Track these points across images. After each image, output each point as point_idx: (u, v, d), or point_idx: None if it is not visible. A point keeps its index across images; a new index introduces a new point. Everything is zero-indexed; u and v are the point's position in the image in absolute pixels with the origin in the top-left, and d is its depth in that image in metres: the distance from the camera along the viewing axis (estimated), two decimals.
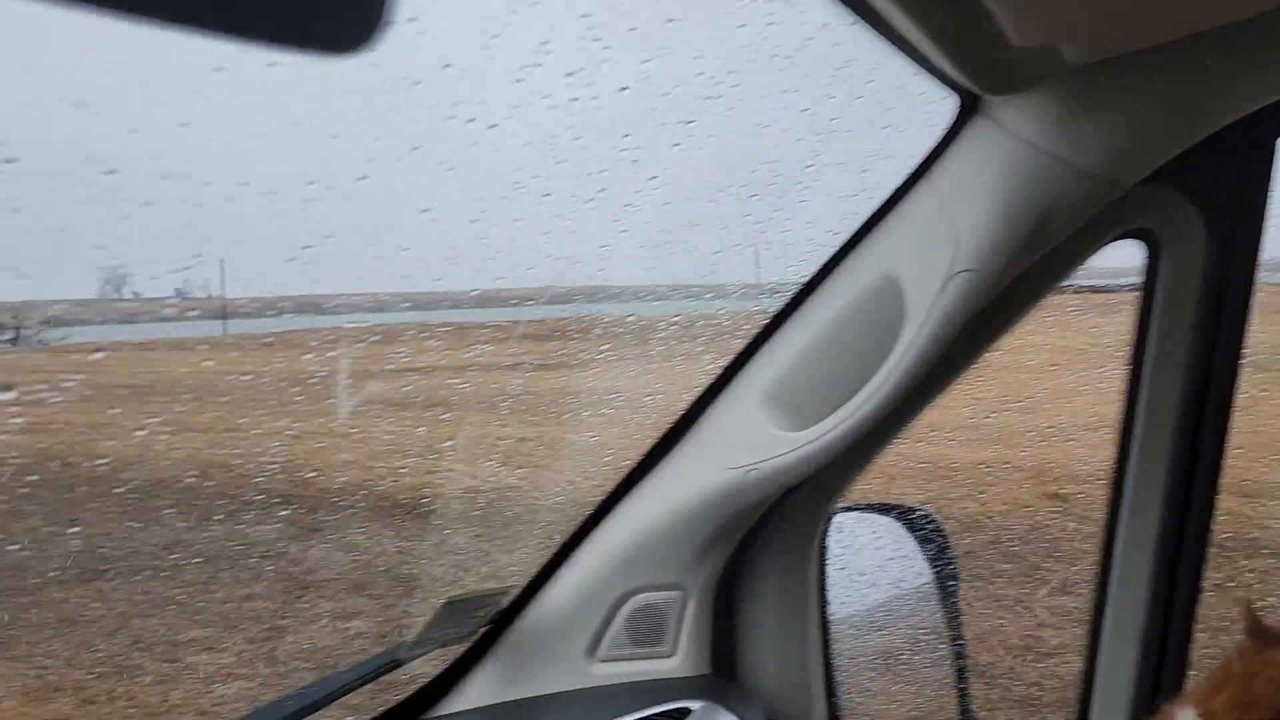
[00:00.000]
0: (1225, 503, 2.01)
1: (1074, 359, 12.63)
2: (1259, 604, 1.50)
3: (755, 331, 1.89)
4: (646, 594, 1.93)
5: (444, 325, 10.04)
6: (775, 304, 1.88)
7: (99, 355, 10.71)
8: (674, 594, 1.94)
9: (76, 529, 7.83)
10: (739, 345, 1.91)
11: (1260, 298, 1.82)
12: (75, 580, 7.16)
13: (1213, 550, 1.94)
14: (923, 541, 2.16)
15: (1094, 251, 1.79)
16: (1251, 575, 7.89)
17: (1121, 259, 1.87)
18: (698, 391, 1.94)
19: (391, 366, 10.28)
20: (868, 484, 2.04)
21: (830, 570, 2.07)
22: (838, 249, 1.80)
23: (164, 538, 7.91)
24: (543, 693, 1.94)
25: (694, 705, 1.84)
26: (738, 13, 2.18)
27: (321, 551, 7.98)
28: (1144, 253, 1.84)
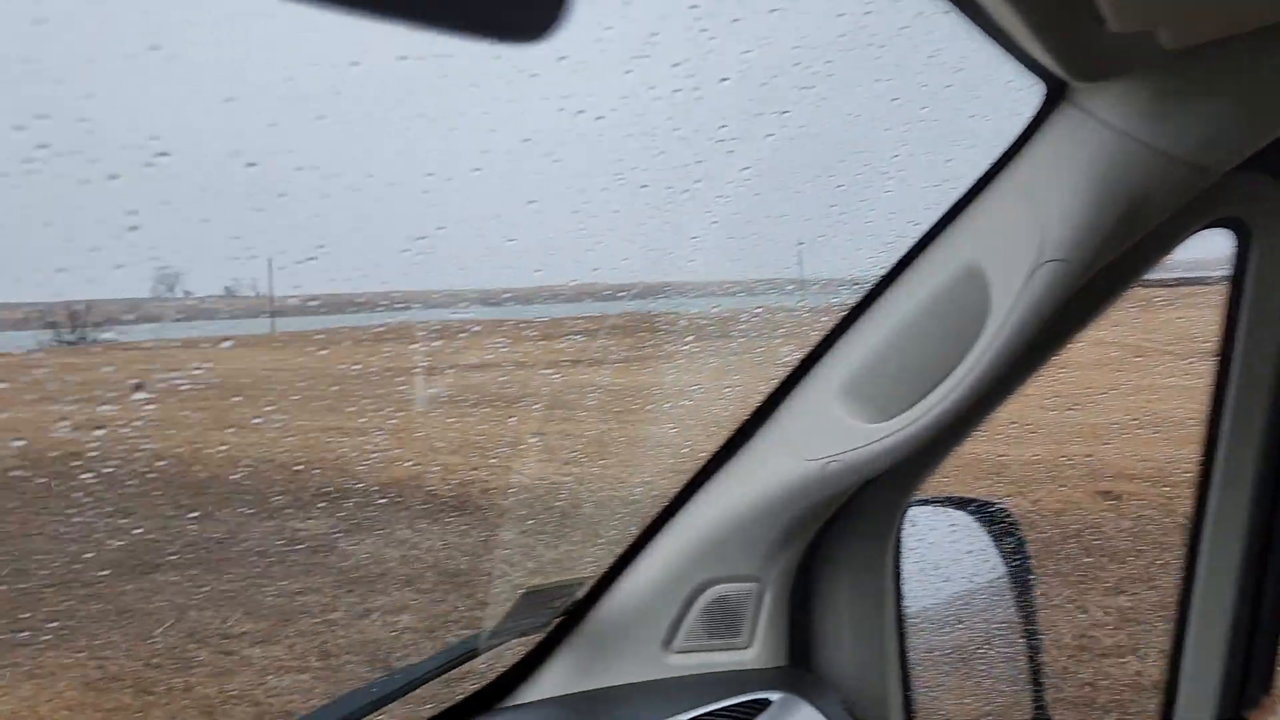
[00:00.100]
0: None
1: (1127, 355, 12.43)
2: None
3: (833, 323, 1.85)
4: (722, 585, 1.90)
5: (540, 318, 10.00)
6: (853, 296, 1.84)
7: (227, 344, 10.75)
8: (750, 585, 1.91)
9: (128, 521, 7.88)
10: (816, 337, 1.88)
11: None
12: (131, 573, 7.19)
13: None
14: (998, 537, 2.12)
15: (1181, 241, 1.75)
16: None
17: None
18: (774, 383, 1.91)
19: (490, 357, 10.30)
20: None
21: (905, 563, 2.04)
22: (918, 240, 1.77)
23: (218, 531, 7.96)
24: (618, 683, 1.92)
25: (773, 696, 1.81)
26: (839, 2, 2.17)
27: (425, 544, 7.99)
28: (1233, 242, 1.79)
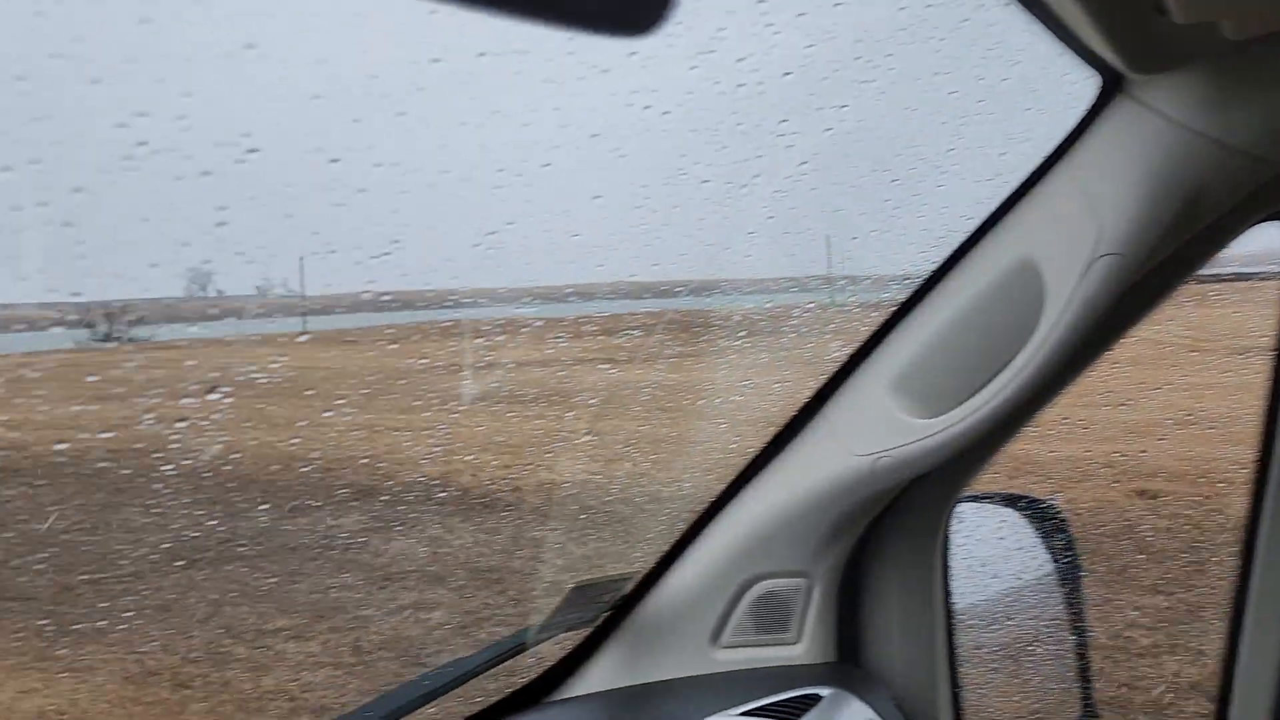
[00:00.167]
0: None
1: (1164, 352, 12.02)
2: None
3: (883, 318, 1.76)
4: (770, 580, 1.81)
5: (600, 313, 9.87)
6: (904, 291, 1.75)
7: (305, 338, 10.74)
8: (799, 581, 1.82)
9: (161, 517, 7.76)
10: (866, 333, 1.78)
11: None
12: (168, 569, 7.09)
13: None
14: (1048, 534, 2.00)
15: (1239, 234, 1.65)
16: None
17: None
18: (823, 379, 1.81)
19: (551, 352, 10.24)
20: None
21: (953, 560, 1.93)
22: (970, 234, 1.67)
23: (253, 528, 7.86)
24: (665, 678, 1.83)
25: (823, 692, 1.72)
26: None
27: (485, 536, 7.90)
28: None
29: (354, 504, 8.38)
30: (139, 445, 7.52)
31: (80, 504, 7.74)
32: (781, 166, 2.90)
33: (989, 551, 1.99)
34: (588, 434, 9.13)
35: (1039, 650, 2.02)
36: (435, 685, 1.57)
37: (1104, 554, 7.92)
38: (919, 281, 1.72)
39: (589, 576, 1.78)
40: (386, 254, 3.83)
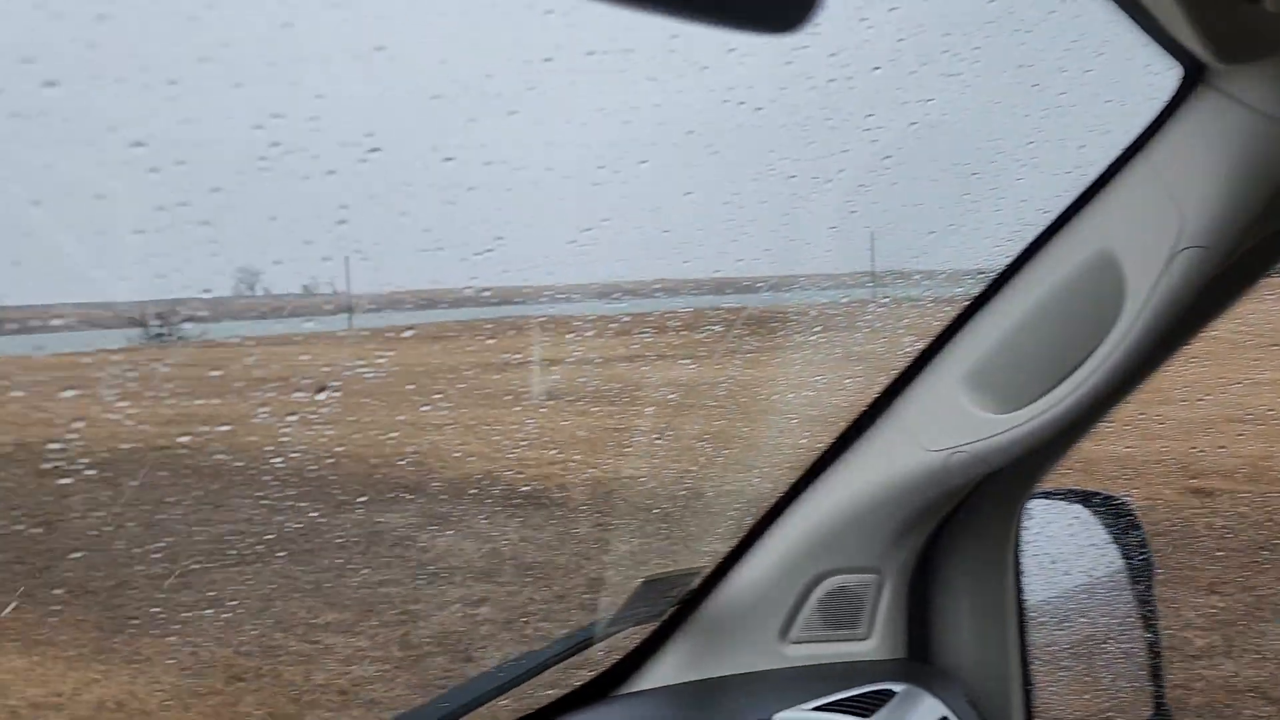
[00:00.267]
0: None
1: (1214, 348, 11.34)
2: None
3: (955, 313, 1.61)
4: (841, 576, 1.68)
5: (684, 309, 9.66)
6: (977, 286, 1.60)
7: (410, 334, 10.69)
8: (870, 577, 1.68)
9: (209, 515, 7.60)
10: (938, 327, 1.63)
11: None
12: (219, 563, 6.89)
13: None
14: (1120, 532, 1.82)
15: None
16: None
17: None
18: (894, 374, 1.66)
19: (636, 347, 10.11)
20: None
21: (1025, 556, 1.78)
22: (1046, 227, 1.51)
23: (302, 524, 7.57)
24: (732, 672, 1.70)
25: (896, 688, 1.58)
26: None
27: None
28: None
29: (442, 498, 8.23)
30: (252, 439, 7.45)
31: (198, 495, 7.64)
32: (866, 161, 2.78)
33: (1061, 548, 1.84)
34: (666, 429, 8.92)
35: (1110, 649, 1.86)
36: (507, 678, 1.46)
37: (1157, 553, 7.44)
38: (993, 275, 1.57)
39: (658, 571, 1.66)
40: (490, 250, 3.74)
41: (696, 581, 1.73)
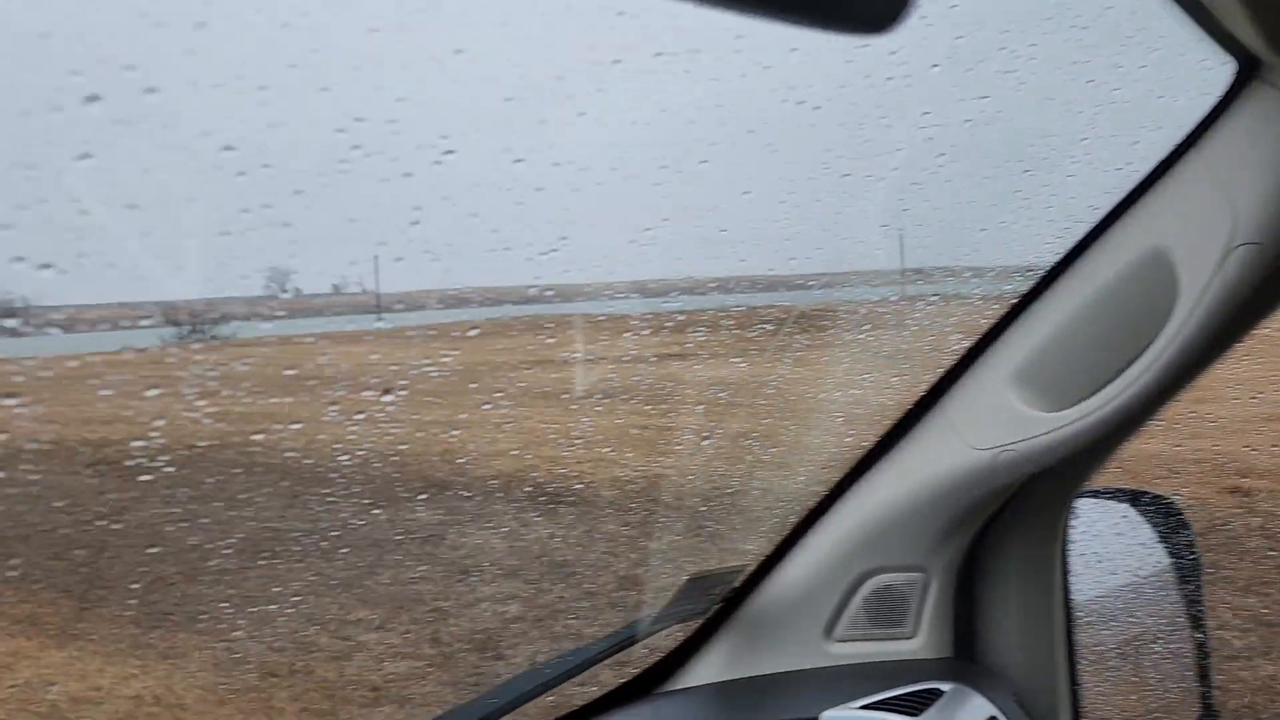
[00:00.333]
0: None
1: (1252, 344, 10.78)
2: None
3: (1002, 311, 1.51)
4: (886, 575, 1.59)
5: (737, 307, 9.48)
6: (1026, 283, 1.50)
7: (474, 332, 10.59)
8: (915, 575, 1.59)
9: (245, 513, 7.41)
10: (985, 325, 1.53)
11: None
12: (252, 560, 6.70)
13: None
14: (1168, 532, 1.71)
15: None
16: None
17: None
18: (939, 372, 1.57)
19: (690, 345, 9.96)
20: None
21: (1072, 555, 1.68)
22: (1095, 224, 1.42)
23: (330, 522, 7.37)
24: (777, 670, 1.61)
25: (943, 687, 1.50)
26: None
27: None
28: None
29: (498, 495, 8.06)
30: (321, 437, 7.34)
31: (269, 491, 7.49)
32: (920, 158, 2.69)
33: (1108, 548, 1.73)
34: (715, 428, 8.74)
35: (1158, 649, 1.75)
36: (553, 675, 1.40)
37: None
38: (1043, 272, 1.47)
39: (701, 568, 1.59)
40: (554, 250, 3.67)
41: (740, 579, 1.65)
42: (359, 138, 2.45)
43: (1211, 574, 6.62)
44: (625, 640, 1.51)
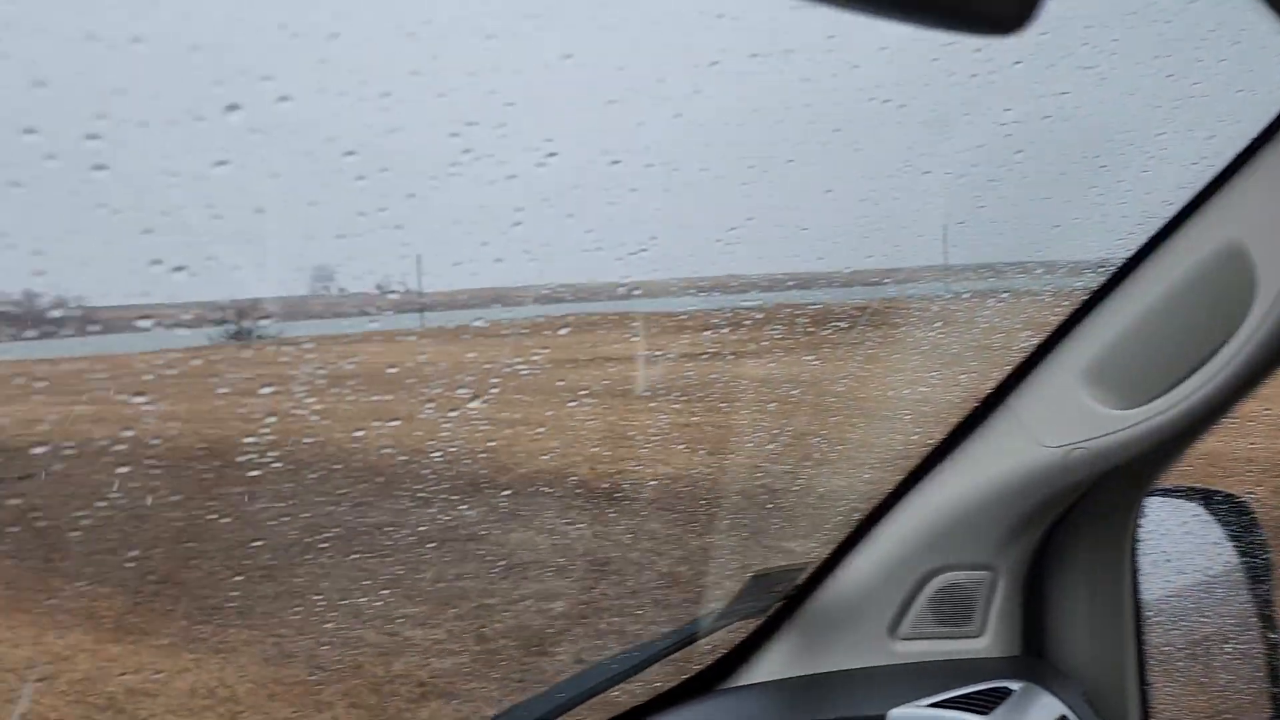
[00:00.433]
0: None
1: None
2: None
3: (1074, 307, 1.39)
4: (953, 573, 1.49)
5: (812, 304, 9.23)
6: (1097, 279, 1.38)
7: (564, 330, 10.51)
8: (983, 574, 1.48)
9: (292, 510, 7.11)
10: (1055, 322, 1.42)
11: None
12: (301, 556, 6.46)
13: None
14: (1238, 532, 1.59)
15: None
16: None
17: None
18: (1007, 370, 1.46)
19: (765, 343, 9.73)
20: None
21: (1142, 554, 1.56)
22: (1169, 219, 1.30)
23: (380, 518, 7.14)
24: (840, 668, 1.52)
25: (1013, 685, 1.39)
26: None
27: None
28: None
29: (577, 493, 7.82)
30: (418, 434, 7.15)
31: (364, 488, 7.29)
32: (999, 155, 2.57)
33: (1178, 546, 1.60)
34: (786, 425, 8.49)
35: (1229, 650, 1.62)
36: (618, 670, 1.33)
37: None
38: (1115, 268, 1.35)
39: (764, 566, 1.50)
40: (643, 250, 3.63)
41: (803, 577, 1.55)
42: (470, 141, 2.39)
43: None
44: (688, 637, 1.43)
